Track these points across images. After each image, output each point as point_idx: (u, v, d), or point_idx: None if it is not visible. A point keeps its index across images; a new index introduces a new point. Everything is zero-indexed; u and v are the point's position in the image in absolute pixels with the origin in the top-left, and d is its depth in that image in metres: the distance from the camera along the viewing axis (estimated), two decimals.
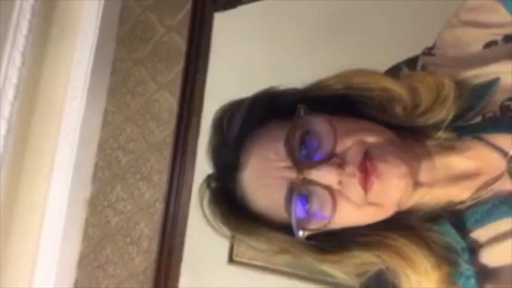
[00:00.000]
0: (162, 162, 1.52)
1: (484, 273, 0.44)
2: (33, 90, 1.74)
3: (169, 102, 1.55)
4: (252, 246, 0.49)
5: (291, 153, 0.45)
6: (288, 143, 0.45)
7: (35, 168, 1.71)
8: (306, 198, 0.45)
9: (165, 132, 1.54)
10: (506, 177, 0.45)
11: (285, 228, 0.46)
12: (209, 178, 0.51)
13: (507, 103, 0.47)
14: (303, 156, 0.45)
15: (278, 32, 1.30)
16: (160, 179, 1.51)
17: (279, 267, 1.12)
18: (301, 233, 0.44)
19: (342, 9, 1.17)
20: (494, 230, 0.44)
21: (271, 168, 0.46)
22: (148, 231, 1.50)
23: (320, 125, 0.45)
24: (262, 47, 1.33)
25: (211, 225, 0.49)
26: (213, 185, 0.51)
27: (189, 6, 1.55)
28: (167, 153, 1.50)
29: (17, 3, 1.71)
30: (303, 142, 0.46)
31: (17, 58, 1.68)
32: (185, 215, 1.40)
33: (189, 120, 1.47)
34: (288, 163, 0.45)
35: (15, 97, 1.67)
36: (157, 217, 1.48)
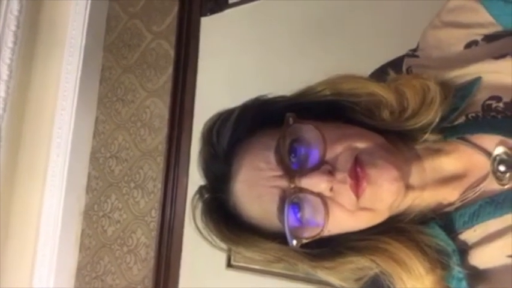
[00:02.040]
0: (156, 170, 1.51)
1: (475, 275, 0.44)
2: (22, 102, 1.72)
3: (160, 109, 1.55)
4: (247, 256, 0.49)
5: (281, 161, 0.45)
6: (278, 152, 0.45)
7: (28, 181, 1.70)
8: (298, 207, 0.45)
9: (157, 139, 1.53)
10: (491, 177, 0.45)
11: (279, 237, 0.46)
12: (201, 190, 0.51)
13: (489, 102, 0.47)
14: (293, 164, 0.45)
15: (266, 35, 1.30)
16: (155, 187, 1.50)
17: (277, 270, 1.12)
18: (295, 242, 0.44)
19: (331, 11, 1.17)
20: (482, 231, 0.45)
21: (263, 177, 0.46)
22: (145, 239, 1.49)
23: (309, 132, 0.45)
24: (251, 50, 1.33)
25: (204, 238, 0.49)
26: (205, 196, 0.51)
27: (175, 11, 1.55)
28: (160, 160, 1.50)
29: (1, 15, 1.69)
30: (293, 150, 0.46)
31: (4, 71, 1.66)
32: (181, 221, 1.40)
33: (181, 126, 1.46)
34: (279, 172, 0.45)
35: (4, 110, 1.65)
36: (154, 225, 1.47)
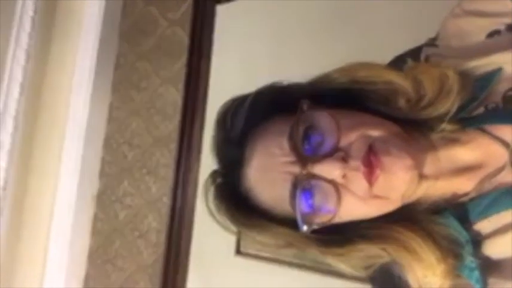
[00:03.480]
0: (168, 156, 1.53)
1: (488, 265, 0.44)
2: (38, 87, 1.75)
3: (173, 96, 1.56)
4: (258, 241, 0.49)
5: (294, 148, 0.45)
6: (291, 138, 0.45)
7: (43, 165, 1.73)
8: (310, 193, 0.45)
9: (170, 126, 1.55)
10: (508, 168, 0.45)
11: (290, 223, 0.46)
12: (214, 174, 0.52)
13: (510, 93, 0.46)
14: (306, 150, 0.45)
15: (281, 24, 1.29)
16: (167, 173, 1.52)
17: (286, 258, 1.13)
18: (305, 228, 0.45)
19: (346, 0, 1.16)
20: (497, 222, 0.44)
21: (276, 163, 0.46)
22: (156, 224, 1.52)
23: (323, 119, 0.45)
24: (265, 39, 1.32)
25: (216, 221, 0.49)
26: (218, 180, 0.51)
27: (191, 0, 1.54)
28: (173, 147, 1.51)
29: (19, 1, 1.71)
30: (306, 137, 0.46)
31: (21, 56, 1.68)
32: (192, 207, 1.42)
33: (194, 114, 1.47)
34: (292, 158, 0.45)
35: (20, 94, 1.68)
36: (165, 210, 1.49)
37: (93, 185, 1.71)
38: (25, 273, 1.68)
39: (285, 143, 0.46)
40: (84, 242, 1.67)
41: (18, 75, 1.67)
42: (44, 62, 1.77)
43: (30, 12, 1.73)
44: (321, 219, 0.45)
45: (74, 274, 1.63)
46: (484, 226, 0.45)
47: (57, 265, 1.62)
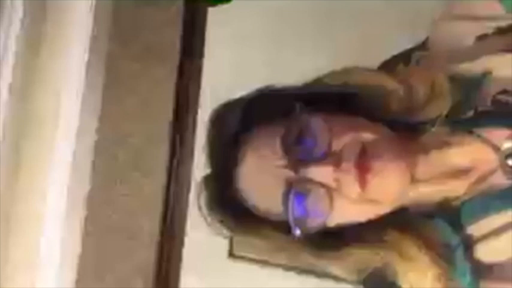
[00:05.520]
0: (160, 157, 1.52)
1: (480, 269, 0.45)
2: (28, 90, 1.73)
3: (165, 98, 1.55)
4: (250, 245, 0.49)
5: (287, 151, 0.45)
6: (284, 142, 0.46)
7: (33, 167, 1.71)
8: (302, 197, 0.45)
9: (162, 127, 1.54)
10: (499, 171, 0.45)
11: (283, 227, 0.46)
12: (206, 177, 0.52)
13: (499, 97, 0.47)
14: (299, 154, 0.46)
15: (274, 26, 1.29)
16: (159, 174, 1.51)
17: (279, 261, 1.13)
18: (298, 231, 0.45)
19: (340, 2, 1.17)
20: (488, 225, 0.45)
21: (268, 167, 0.46)
22: (148, 226, 1.51)
23: (316, 123, 0.46)
24: (258, 41, 1.32)
25: (209, 225, 0.49)
26: (211, 184, 0.51)
27: (182, 0, 1.54)
28: (165, 148, 1.50)
29: (8, 3, 1.69)
30: (299, 140, 0.46)
31: (10, 59, 1.66)
32: (185, 209, 1.41)
33: (186, 115, 1.47)
34: (285, 162, 0.45)
35: (9, 98, 1.66)
36: (157, 212, 1.48)
37: (84, 187, 1.69)
38: (16, 277, 1.67)
39: (278, 147, 0.46)
40: (75, 244, 1.65)
41: (8, 77, 1.65)
42: (33, 65, 1.75)
43: (19, 14, 1.71)
44: (314, 223, 0.45)
45: (65, 277, 1.62)
46: (475, 229, 0.46)
47: (49, 267, 1.60)
